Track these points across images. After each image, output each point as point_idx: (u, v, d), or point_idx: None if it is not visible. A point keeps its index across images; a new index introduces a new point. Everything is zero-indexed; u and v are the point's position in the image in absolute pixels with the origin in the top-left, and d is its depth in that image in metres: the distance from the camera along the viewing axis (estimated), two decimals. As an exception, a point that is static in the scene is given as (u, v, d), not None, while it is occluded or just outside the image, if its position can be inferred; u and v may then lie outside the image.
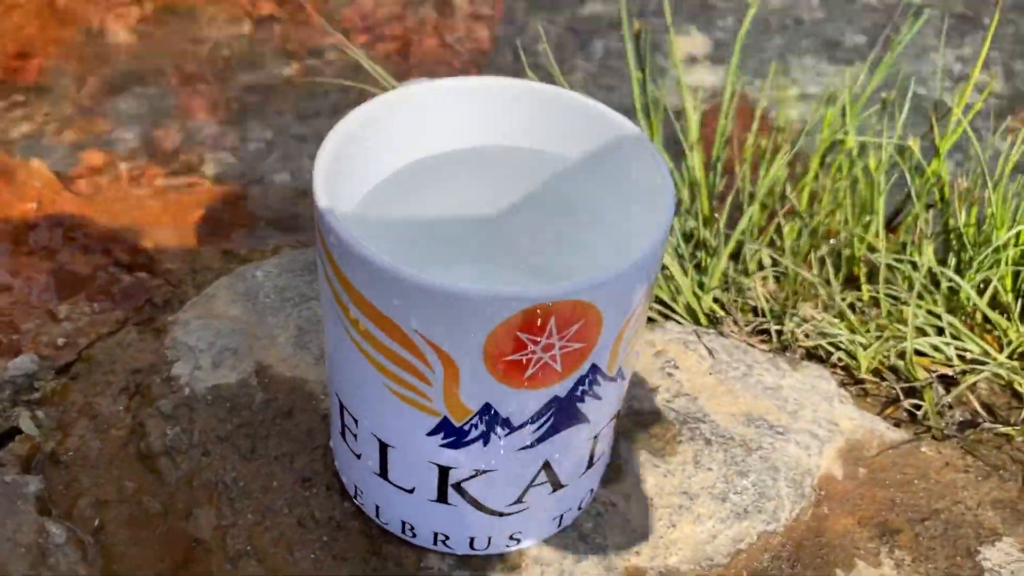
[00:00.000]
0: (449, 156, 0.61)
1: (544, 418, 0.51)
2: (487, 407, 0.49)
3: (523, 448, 0.52)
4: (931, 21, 1.30)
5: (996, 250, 0.77)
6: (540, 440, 0.52)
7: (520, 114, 0.60)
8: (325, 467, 0.64)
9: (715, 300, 0.79)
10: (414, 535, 0.59)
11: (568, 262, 0.62)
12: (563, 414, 0.51)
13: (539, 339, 0.45)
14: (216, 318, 0.75)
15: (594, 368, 0.50)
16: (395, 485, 0.56)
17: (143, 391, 0.70)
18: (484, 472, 0.53)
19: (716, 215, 0.85)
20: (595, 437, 0.56)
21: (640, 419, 0.69)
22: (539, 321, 0.44)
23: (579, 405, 0.51)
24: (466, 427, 0.50)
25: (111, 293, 0.83)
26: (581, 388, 0.50)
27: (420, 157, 0.61)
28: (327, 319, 0.53)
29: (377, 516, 0.60)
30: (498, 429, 0.50)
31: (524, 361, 0.46)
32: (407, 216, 0.62)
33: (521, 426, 0.51)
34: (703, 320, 0.79)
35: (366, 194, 0.59)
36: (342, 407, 0.56)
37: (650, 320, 0.79)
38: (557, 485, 0.56)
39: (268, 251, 0.89)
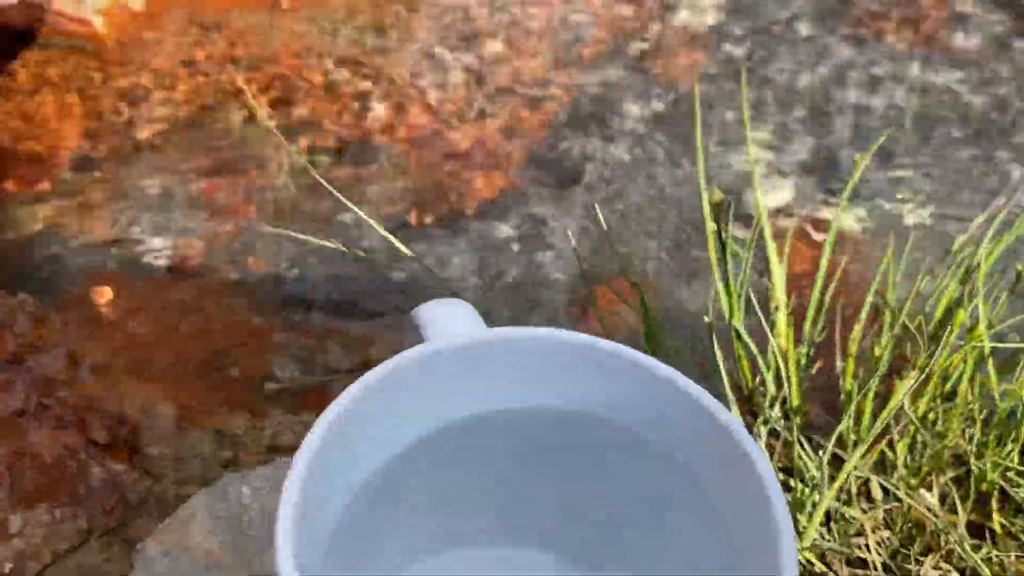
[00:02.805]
0: (470, 422, 0.46)
1: None
2: None
3: None
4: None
5: None
6: None
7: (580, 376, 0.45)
8: None
9: (813, 545, 0.62)
10: None
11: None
12: None
13: None
14: (188, 551, 0.61)
15: None
16: None
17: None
18: None
19: (813, 421, 0.69)
20: None
21: None
22: None
23: None
24: None
25: (77, 493, 0.70)
26: None
27: (434, 427, 0.46)
28: None
29: None
30: None
31: None
32: (421, 493, 0.47)
33: None
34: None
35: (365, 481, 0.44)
36: None
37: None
38: None
39: (265, 436, 0.75)
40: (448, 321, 0.45)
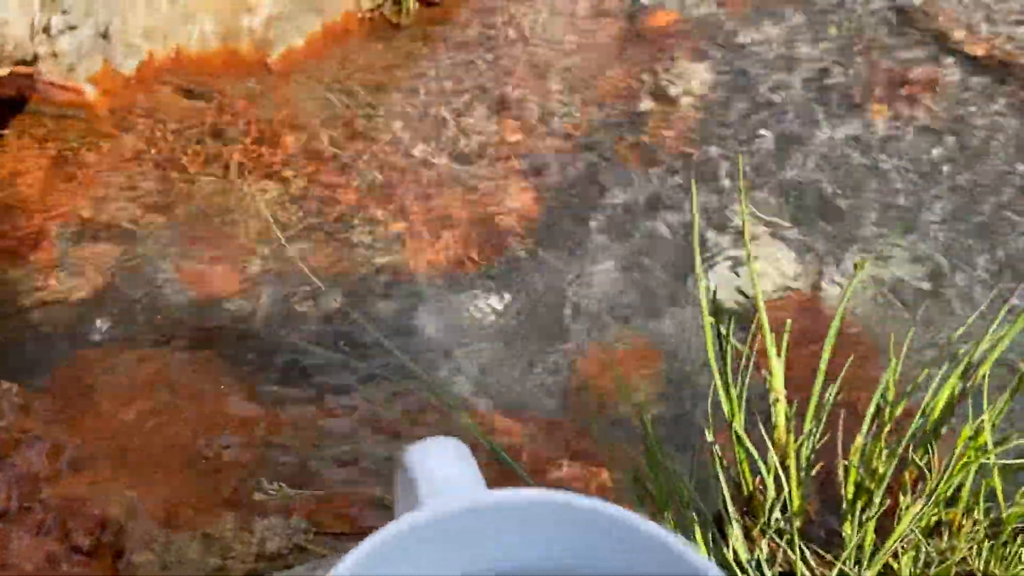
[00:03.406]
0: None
1: None
2: None
3: None
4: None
5: None
6: None
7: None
8: None
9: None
10: None
11: None
12: None
13: None
14: None
15: None
16: None
17: None
18: None
19: (813, 518, 0.68)
20: None
21: None
22: None
23: None
24: None
25: (56, 609, 0.68)
26: None
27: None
28: None
29: None
30: None
31: None
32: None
33: None
34: None
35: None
36: None
37: None
38: None
39: (255, 538, 0.73)
40: (443, 474, 0.43)
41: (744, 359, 0.73)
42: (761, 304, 0.75)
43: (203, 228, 1.12)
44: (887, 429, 0.68)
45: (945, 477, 0.58)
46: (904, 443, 0.69)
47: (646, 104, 1.29)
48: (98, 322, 1.01)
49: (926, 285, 1.04)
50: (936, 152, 1.21)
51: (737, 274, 1.07)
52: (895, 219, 1.12)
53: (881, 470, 0.63)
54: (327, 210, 1.14)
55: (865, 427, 0.68)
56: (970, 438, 0.66)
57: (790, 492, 0.71)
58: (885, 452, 0.67)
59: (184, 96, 1.28)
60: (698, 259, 0.72)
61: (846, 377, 0.73)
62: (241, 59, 1.31)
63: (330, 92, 1.29)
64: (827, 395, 0.73)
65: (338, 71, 1.32)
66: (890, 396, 0.71)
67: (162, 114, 1.25)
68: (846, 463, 0.67)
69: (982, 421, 0.62)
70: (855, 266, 0.70)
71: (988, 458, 0.62)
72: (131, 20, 1.30)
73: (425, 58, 1.36)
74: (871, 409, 0.68)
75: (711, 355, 0.71)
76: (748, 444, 0.69)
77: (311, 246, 1.10)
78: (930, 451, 0.71)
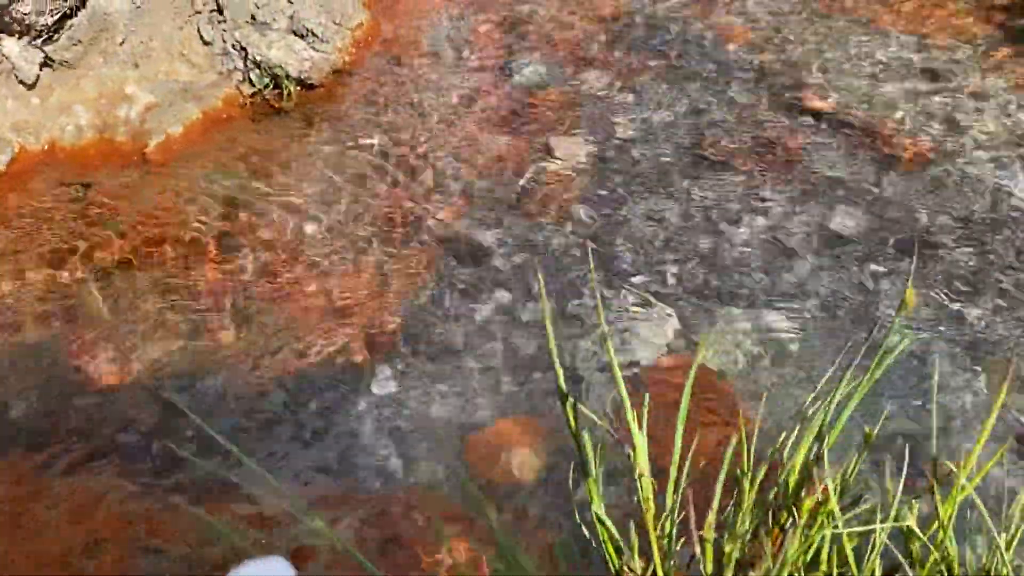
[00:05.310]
0: None
1: None
2: None
3: None
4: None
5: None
6: None
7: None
8: None
9: None
10: None
11: None
12: None
13: None
14: None
15: None
16: None
17: None
18: None
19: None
20: None
21: None
22: None
23: None
24: None
25: None
26: None
27: None
28: None
29: None
30: None
31: None
32: None
33: None
34: None
35: None
36: None
37: None
38: None
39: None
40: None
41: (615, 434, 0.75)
42: (620, 379, 0.76)
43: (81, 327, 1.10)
44: (750, 496, 0.70)
45: (795, 545, 0.60)
46: (764, 509, 0.71)
47: (531, 173, 1.31)
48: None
49: (793, 347, 1.08)
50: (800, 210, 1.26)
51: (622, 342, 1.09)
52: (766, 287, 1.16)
53: (728, 550, 0.65)
54: (193, 304, 1.12)
55: (716, 502, 0.70)
56: (818, 503, 0.68)
57: (654, 570, 0.72)
58: (747, 520, 0.69)
59: (59, 189, 1.26)
60: (552, 337, 0.73)
61: (720, 441, 0.75)
62: (118, 150, 1.30)
63: (210, 179, 1.29)
64: (686, 463, 0.75)
65: (219, 157, 1.32)
66: (746, 466, 0.73)
67: (34, 208, 1.23)
68: (701, 534, 0.69)
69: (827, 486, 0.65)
70: (699, 342, 0.72)
71: (838, 524, 0.64)
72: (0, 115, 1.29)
73: (308, 140, 1.37)
74: (721, 477, 0.70)
75: (574, 439, 0.73)
76: (610, 525, 0.70)
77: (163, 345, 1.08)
78: (792, 513, 0.74)
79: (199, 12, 1.41)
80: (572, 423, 0.74)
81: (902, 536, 0.74)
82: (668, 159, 1.32)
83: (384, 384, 1.05)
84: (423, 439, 0.99)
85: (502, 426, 1.01)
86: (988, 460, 0.71)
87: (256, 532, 0.87)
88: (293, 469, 0.95)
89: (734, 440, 0.71)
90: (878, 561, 0.67)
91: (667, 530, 0.73)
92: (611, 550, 0.74)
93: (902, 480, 0.69)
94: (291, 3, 1.46)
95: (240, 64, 1.42)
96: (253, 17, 1.42)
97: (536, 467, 0.96)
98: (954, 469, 0.67)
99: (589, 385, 1.04)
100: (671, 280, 1.17)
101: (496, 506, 0.93)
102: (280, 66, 1.41)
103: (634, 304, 1.14)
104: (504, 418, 1.04)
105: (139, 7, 1.37)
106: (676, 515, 0.73)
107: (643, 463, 0.77)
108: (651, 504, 0.75)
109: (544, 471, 0.95)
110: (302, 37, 1.45)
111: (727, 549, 0.71)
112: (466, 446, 0.99)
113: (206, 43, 1.42)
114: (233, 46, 1.42)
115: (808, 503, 0.65)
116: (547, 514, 0.90)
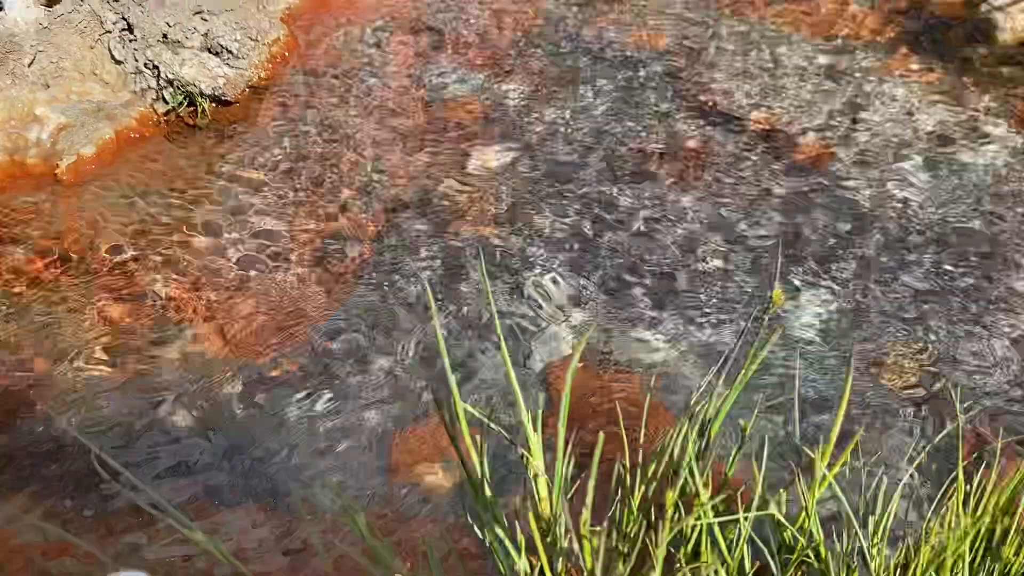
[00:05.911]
0: None
1: None
2: None
3: None
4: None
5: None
6: None
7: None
8: None
9: None
10: None
11: None
12: None
13: None
14: None
15: None
16: None
17: None
18: None
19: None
20: None
21: None
22: None
23: None
24: None
25: None
26: None
27: None
28: None
29: None
30: None
31: None
32: None
33: None
34: None
35: None
36: None
37: None
38: None
39: None
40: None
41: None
42: (514, 381, 0.79)
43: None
44: (639, 492, 0.73)
45: (665, 536, 0.63)
46: (648, 505, 0.73)
47: (447, 186, 1.33)
48: None
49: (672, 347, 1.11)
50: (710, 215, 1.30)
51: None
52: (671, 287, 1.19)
53: (619, 537, 0.67)
54: (104, 327, 1.13)
55: (589, 498, 0.72)
56: (692, 496, 0.71)
57: (541, 569, 0.74)
58: (631, 517, 0.72)
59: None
60: (443, 350, 0.75)
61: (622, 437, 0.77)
62: (28, 172, 1.30)
63: (123, 197, 1.29)
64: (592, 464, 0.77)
65: (132, 176, 1.32)
66: (626, 463, 0.76)
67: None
68: (581, 533, 0.71)
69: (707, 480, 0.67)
70: (575, 346, 0.74)
71: (708, 518, 0.67)
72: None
73: (221, 156, 1.37)
74: (593, 471, 0.73)
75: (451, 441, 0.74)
76: (498, 530, 0.72)
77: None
78: (679, 509, 0.76)
79: (109, 32, 1.41)
80: (447, 425, 0.76)
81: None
82: (582, 163, 1.35)
83: (300, 400, 1.07)
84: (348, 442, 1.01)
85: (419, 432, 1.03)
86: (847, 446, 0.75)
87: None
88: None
89: (602, 437, 0.73)
90: (746, 548, 0.70)
91: (553, 529, 0.75)
92: (496, 550, 0.76)
93: (763, 470, 0.73)
94: (205, 21, 1.46)
95: (153, 83, 1.42)
96: (165, 36, 1.42)
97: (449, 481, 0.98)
98: (815, 458, 0.70)
99: (491, 388, 1.06)
100: (578, 283, 1.20)
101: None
102: (193, 84, 1.42)
103: (536, 307, 1.17)
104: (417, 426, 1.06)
105: (46, 27, 1.37)
106: (560, 513, 0.76)
107: (538, 464, 0.80)
108: (547, 504, 0.77)
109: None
110: (216, 54, 1.46)
111: (610, 545, 0.73)
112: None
113: (118, 62, 1.42)
114: (145, 65, 1.42)
115: (671, 496, 0.68)
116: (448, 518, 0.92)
